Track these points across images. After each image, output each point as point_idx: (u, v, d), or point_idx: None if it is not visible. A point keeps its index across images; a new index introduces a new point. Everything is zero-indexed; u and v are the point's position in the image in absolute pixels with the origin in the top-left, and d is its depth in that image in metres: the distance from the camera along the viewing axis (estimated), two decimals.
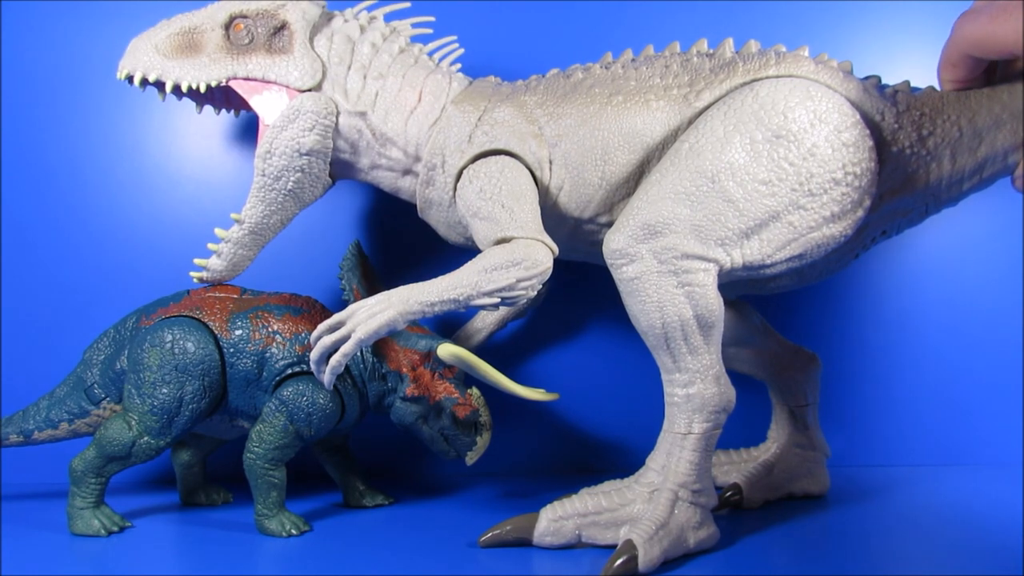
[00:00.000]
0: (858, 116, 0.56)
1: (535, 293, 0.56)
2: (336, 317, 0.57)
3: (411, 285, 0.57)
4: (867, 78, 0.59)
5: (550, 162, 0.62)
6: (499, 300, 0.56)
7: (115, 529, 0.61)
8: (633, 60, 0.63)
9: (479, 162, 0.61)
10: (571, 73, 0.64)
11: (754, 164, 0.54)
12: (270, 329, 0.63)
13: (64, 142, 0.81)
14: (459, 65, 0.70)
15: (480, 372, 0.61)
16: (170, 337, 0.62)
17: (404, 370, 0.63)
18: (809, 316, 0.84)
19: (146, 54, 0.65)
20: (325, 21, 0.67)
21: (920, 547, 0.56)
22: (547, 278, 0.57)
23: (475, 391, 0.65)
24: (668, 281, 0.54)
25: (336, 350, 0.57)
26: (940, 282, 0.84)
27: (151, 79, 0.65)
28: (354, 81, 0.65)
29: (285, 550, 0.56)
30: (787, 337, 0.76)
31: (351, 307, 0.57)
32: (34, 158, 0.80)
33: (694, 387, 0.54)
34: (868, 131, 0.56)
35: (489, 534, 0.57)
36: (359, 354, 0.65)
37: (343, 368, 0.61)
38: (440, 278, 0.56)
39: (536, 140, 0.61)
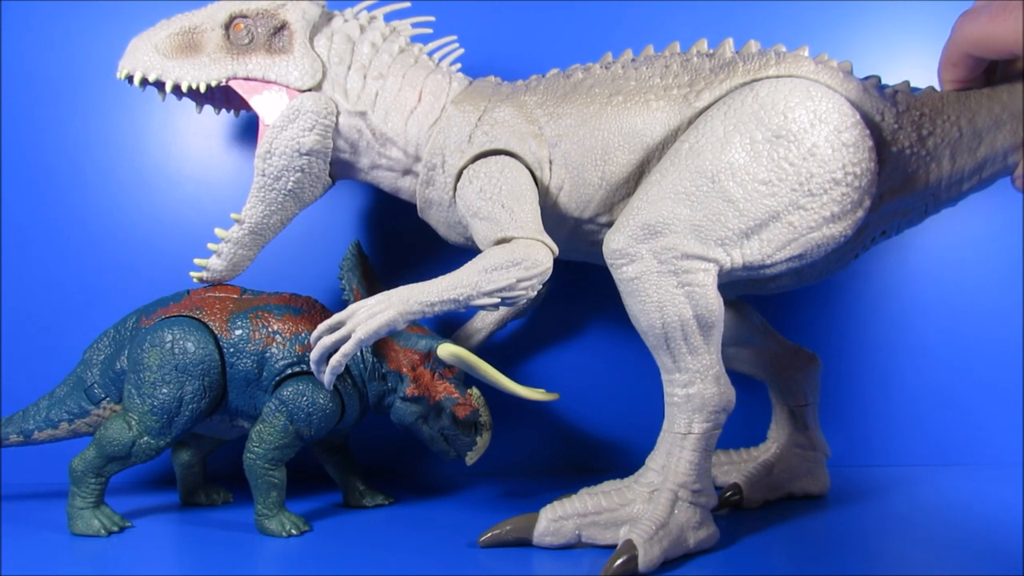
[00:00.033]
0: (858, 116, 0.56)
1: (535, 293, 0.56)
2: (336, 317, 0.57)
3: (411, 285, 0.57)
4: (867, 78, 0.59)
5: (550, 162, 0.62)
6: (499, 300, 0.56)
7: (115, 529, 0.61)
8: (633, 60, 0.63)
9: (479, 162, 0.61)
10: (571, 73, 0.64)
11: (754, 164, 0.54)
12: (270, 329, 0.63)
13: (64, 142, 0.81)
14: (459, 65, 0.71)
15: (480, 372, 0.61)
16: (170, 337, 0.62)
17: (404, 370, 0.63)
18: (809, 316, 0.84)
19: (146, 54, 0.65)
20: (325, 21, 0.67)
21: (920, 547, 0.56)
22: (547, 278, 0.57)
23: (475, 391, 0.65)
24: (668, 281, 0.54)
25: (336, 350, 0.57)
26: (940, 282, 0.84)
27: (151, 79, 0.65)
28: (354, 81, 0.65)
29: (285, 550, 0.56)
30: (787, 337, 0.76)
31: (351, 307, 0.57)
32: (34, 158, 0.80)
33: (694, 387, 0.54)
34: (868, 131, 0.56)
35: (489, 534, 0.57)
36: (359, 354, 0.65)
37: (343, 368, 0.61)
38: (440, 278, 0.56)
39: (536, 140, 0.61)
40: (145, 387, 0.61)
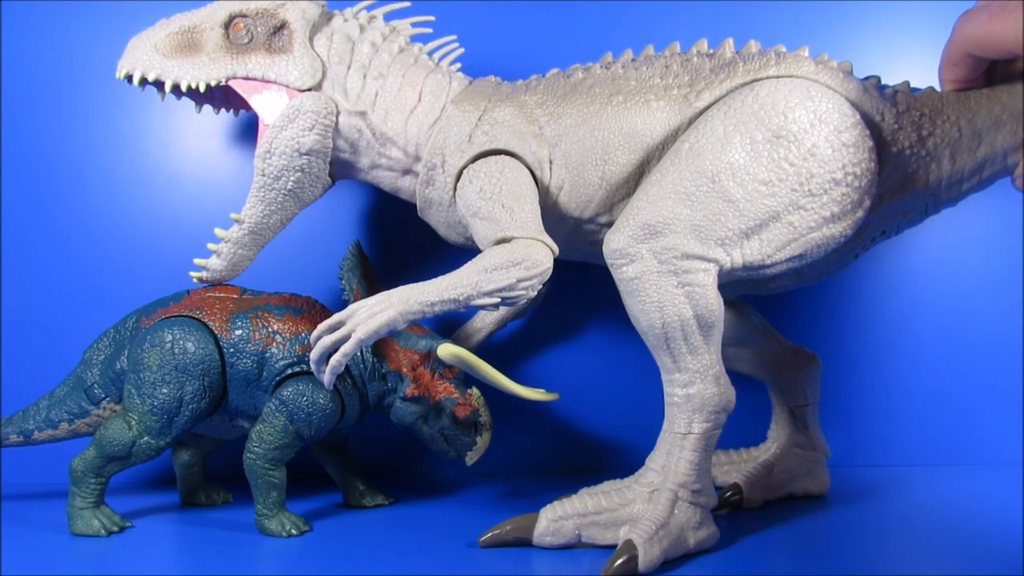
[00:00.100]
0: (858, 116, 0.56)
1: (535, 293, 0.56)
2: (336, 317, 0.57)
3: (411, 285, 0.57)
4: (867, 78, 0.59)
5: (550, 162, 0.62)
6: (499, 300, 0.56)
7: (115, 529, 0.61)
8: (633, 60, 0.63)
9: (479, 162, 0.61)
10: (571, 73, 0.64)
11: (754, 164, 0.54)
12: (270, 329, 0.63)
13: (64, 142, 0.81)
14: (459, 65, 0.71)
15: (480, 372, 0.61)
16: (170, 337, 0.62)
17: (404, 370, 0.63)
18: (809, 316, 0.84)
19: (145, 53, 0.65)
20: (325, 20, 0.67)
21: (920, 547, 0.56)
22: (547, 278, 0.57)
23: (475, 391, 0.65)
24: (668, 281, 0.54)
25: (336, 350, 0.57)
26: (940, 282, 0.84)
27: (150, 78, 0.65)
28: (354, 81, 0.65)
29: (285, 550, 0.56)
30: (787, 337, 0.76)
31: (351, 307, 0.57)
32: (34, 158, 0.80)
33: (694, 387, 0.54)
34: (868, 131, 0.56)
35: (489, 534, 0.57)
36: (359, 354, 0.65)
37: (343, 368, 0.61)
38: (440, 278, 0.56)
39: (536, 140, 0.61)
40: (145, 387, 0.61)
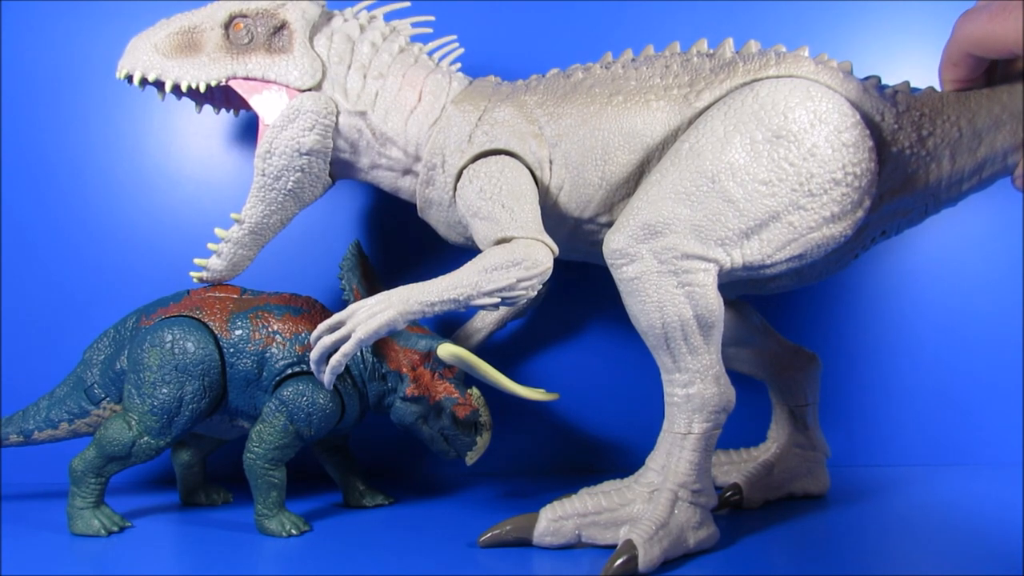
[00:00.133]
0: (858, 116, 0.56)
1: (535, 293, 0.56)
2: (336, 317, 0.57)
3: (411, 285, 0.57)
4: (867, 78, 0.59)
5: (550, 162, 0.62)
6: (499, 300, 0.56)
7: (115, 529, 0.61)
8: (633, 60, 0.63)
9: (479, 162, 0.61)
10: (571, 73, 0.64)
11: (754, 164, 0.54)
12: (270, 329, 0.63)
13: (64, 142, 0.81)
14: (459, 65, 0.70)
15: (480, 372, 0.61)
16: (170, 337, 0.62)
17: (404, 370, 0.63)
18: (809, 316, 0.84)
19: (145, 53, 0.65)
20: (325, 20, 0.67)
21: (920, 547, 0.56)
22: (547, 278, 0.57)
23: (475, 391, 0.65)
24: (668, 281, 0.54)
25: (336, 350, 0.57)
26: (940, 282, 0.84)
27: (150, 79, 0.65)
28: (354, 81, 0.65)
29: (285, 550, 0.56)
30: (787, 337, 0.76)
31: (351, 307, 0.57)
32: (34, 158, 0.80)
33: (694, 387, 0.54)
34: (868, 131, 0.56)
35: (489, 534, 0.57)
36: (359, 354, 0.65)
37: (343, 368, 0.61)
38: (440, 278, 0.56)
39: (536, 140, 0.61)
40: (145, 387, 0.61)
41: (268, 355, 0.63)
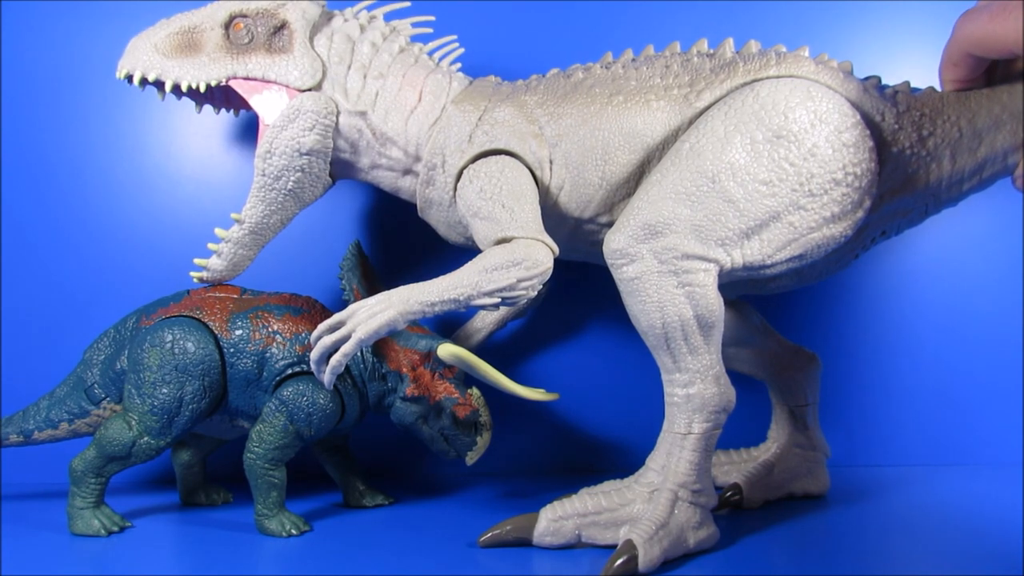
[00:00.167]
0: (858, 116, 0.56)
1: (535, 293, 0.56)
2: (336, 317, 0.57)
3: (411, 285, 0.57)
4: (867, 78, 0.59)
5: (550, 162, 0.62)
6: (499, 300, 0.56)
7: (115, 529, 0.61)
8: (633, 60, 0.63)
9: (479, 162, 0.61)
10: (571, 73, 0.64)
11: (755, 164, 0.54)
12: (270, 329, 0.63)
13: (64, 142, 0.81)
14: (459, 65, 0.71)
15: (480, 372, 0.61)
16: (170, 337, 0.62)
17: (404, 370, 0.63)
18: (809, 316, 0.84)
19: (145, 53, 0.65)
20: (325, 20, 0.67)
21: (920, 547, 0.56)
22: (547, 278, 0.57)
23: (475, 391, 0.65)
24: (668, 281, 0.54)
25: (336, 350, 0.57)
26: (940, 282, 0.84)
27: (150, 78, 0.65)
28: (354, 81, 0.65)
29: (285, 550, 0.56)
30: (787, 337, 0.76)
31: (351, 307, 0.57)
32: (34, 158, 0.80)
33: (694, 387, 0.54)
34: (868, 132, 0.56)
35: (489, 534, 0.57)
36: (359, 354, 0.65)
37: (343, 368, 0.61)
38: (440, 278, 0.56)
39: (536, 140, 0.61)
40: (145, 387, 0.61)
41: (268, 355, 0.63)
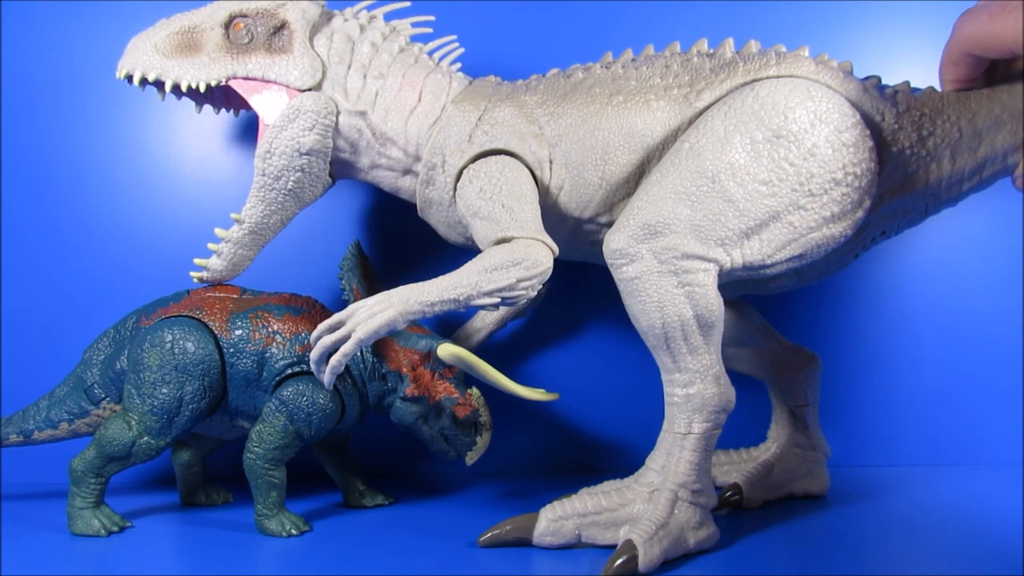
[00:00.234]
0: (858, 116, 0.56)
1: (535, 293, 0.56)
2: (336, 317, 0.57)
3: (411, 285, 0.57)
4: (867, 78, 0.59)
5: (550, 162, 0.62)
6: (499, 300, 0.56)
7: (115, 529, 0.61)
8: (633, 60, 0.63)
9: (479, 162, 0.61)
10: (571, 73, 0.64)
11: (754, 164, 0.54)
12: (270, 329, 0.63)
13: (64, 142, 0.81)
14: (459, 65, 0.71)
15: (480, 372, 0.61)
16: (170, 337, 0.62)
17: (404, 370, 0.63)
18: (809, 316, 0.83)
19: (145, 53, 0.65)
20: (325, 20, 0.67)
21: (920, 547, 0.56)
22: (547, 278, 0.57)
23: (475, 391, 0.65)
24: (668, 281, 0.54)
25: (336, 350, 0.57)
26: (940, 282, 0.84)
27: (150, 78, 0.65)
28: (354, 80, 0.65)
29: (285, 550, 0.56)
30: (787, 337, 0.76)
31: (351, 307, 0.57)
32: (34, 158, 0.80)
33: (694, 387, 0.54)
34: (868, 131, 0.56)
35: (489, 534, 0.57)
36: (359, 354, 0.65)
37: (343, 368, 0.61)
38: (440, 278, 0.56)
39: (536, 140, 0.61)
40: (145, 387, 0.61)
41: (268, 355, 0.63)
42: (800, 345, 0.72)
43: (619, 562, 0.50)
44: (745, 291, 0.66)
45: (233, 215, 0.65)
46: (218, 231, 0.65)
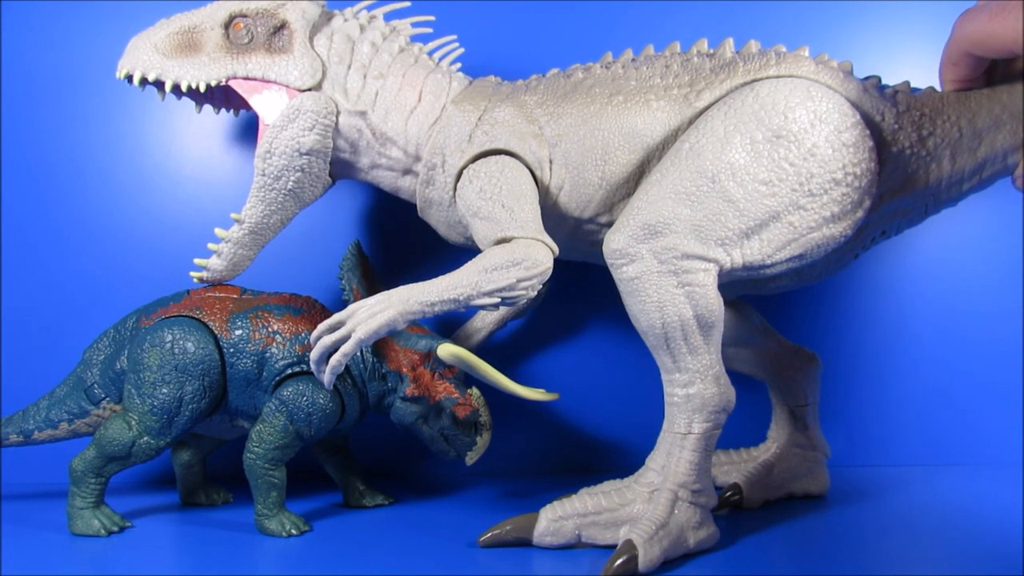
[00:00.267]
0: (858, 116, 0.56)
1: (535, 293, 0.56)
2: (336, 317, 0.57)
3: (411, 285, 0.57)
4: (867, 78, 0.59)
5: (550, 162, 0.62)
6: (499, 300, 0.56)
7: (115, 529, 0.61)
8: (633, 60, 0.63)
9: (479, 162, 0.61)
10: (571, 73, 0.64)
11: (754, 164, 0.54)
12: (270, 329, 0.63)
13: (64, 142, 0.81)
14: (459, 65, 0.71)
15: (480, 372, 0.61)
16: (170, 337, 0.62)
17: (404, 370, 0.63)
18: (809, 316, 0.83)
19: (145, 53, 0.65)
20: (325, 20, 0.67)
21: (920, 547, 0.56)
22: (547, 278, 0.57)
23: (475, 391, 0.65)
24: (668, 281, 0.54)
25: (336, 350, 0.57)
26: (940, 282, 0.84)
27: (150, 78, 0.65)
28: (354, 80, 0.65)
29: (285, 550, 0.56)
30: (787, 337, 0.76)
31: (351, 307, 0.57)
32: (34, 158, 0.80)
33: (694, 387, 0.54)
34: (868, 131, 0.56)
35: (489, 534, 0.57)
36: (359, 354, 0.65)
37: (343, 368, 0.61)
38: (440, 278, 0.56)
39: (536, 140, 0.61)
40: (145, 387, 0.61)
41: (268, 355, 0.63)
42: (800, 345, 0.72)
43: (619, 562, 0.50)
44: (745, 291, 0.66)
45: (233, 215, 0.65)
46: (218, 231, 0.65)
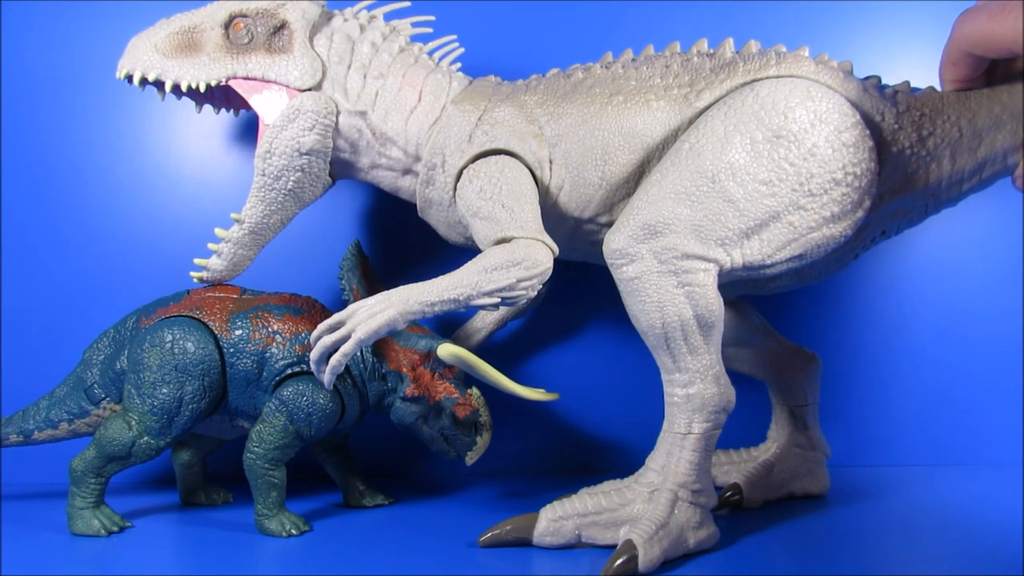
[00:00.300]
0: (858, 116, 0.56)
1: (535, 293, 0.56)
2: (336, 317, 0.57)
3: (411, 285, 0.57)
4: (867, 78, 0.59)
5: (550, 162, 0.62)
6: (499, 300, 0.56)
7: (115, 529, 0.61)
8: (633, 60, 0.63)
9: (479, 162, 0.61)
10: (571, 73, 0.64)
11: (754, 164, 0.54)
12: (270, 329, 0.63)
13: (64, 142, 0.81)
14: (459, 64, 0.71)
15: (480, 372, 0.61)
16: (170, 337, 0.62)
17: (404, 370, 0.63)
18: (809, 316, 0.83)
19: (145, 53, 0.65)
20: (325, 20, 0.67)
21: (920, 547, 0.56)
22: (547, 278, 0.57)
23: (475, 391, 0.65)
24: (668, 281, 0.54)
25: (336, 350, 0.57)
26: (940, 282, 0.84)
27: (150, 78, 0.65)
28: (354, 80, 0.65)
29: (285, 550, 0.56)
30: (787, 337, 0.76)
31: (351, 307, 0.57)
32: (34, 158, 0.80)
33: (694, 387, 0.54)
34: (868, 131, 0.56)
35: (489, 534, 0.57)
36: (359, 354, 0.65)
37: (343, 368, 0.61)
38: (440, 278, 0.56)
39: (536, 140, 0.61)
40: (145, 387, 0.61)
41: (268, 355, 0.63)
42: (800, 345, 0.72)
43: (619, 562, 0.50)
44: (745, 291, 0.66)
45: (233, 215, 0.65)
46: (218, 231, 0.65)
